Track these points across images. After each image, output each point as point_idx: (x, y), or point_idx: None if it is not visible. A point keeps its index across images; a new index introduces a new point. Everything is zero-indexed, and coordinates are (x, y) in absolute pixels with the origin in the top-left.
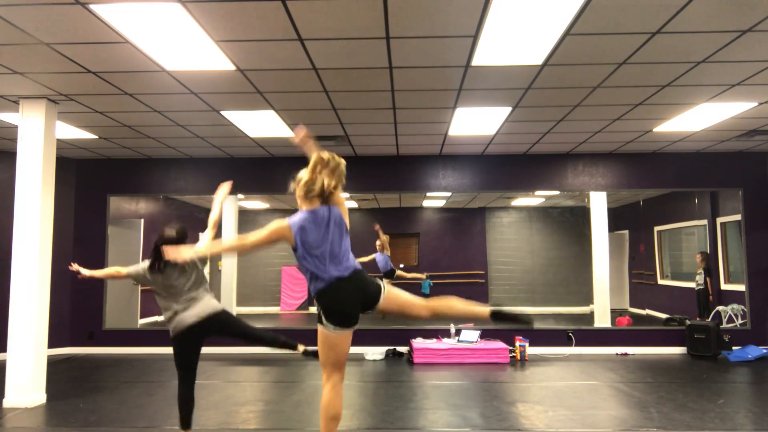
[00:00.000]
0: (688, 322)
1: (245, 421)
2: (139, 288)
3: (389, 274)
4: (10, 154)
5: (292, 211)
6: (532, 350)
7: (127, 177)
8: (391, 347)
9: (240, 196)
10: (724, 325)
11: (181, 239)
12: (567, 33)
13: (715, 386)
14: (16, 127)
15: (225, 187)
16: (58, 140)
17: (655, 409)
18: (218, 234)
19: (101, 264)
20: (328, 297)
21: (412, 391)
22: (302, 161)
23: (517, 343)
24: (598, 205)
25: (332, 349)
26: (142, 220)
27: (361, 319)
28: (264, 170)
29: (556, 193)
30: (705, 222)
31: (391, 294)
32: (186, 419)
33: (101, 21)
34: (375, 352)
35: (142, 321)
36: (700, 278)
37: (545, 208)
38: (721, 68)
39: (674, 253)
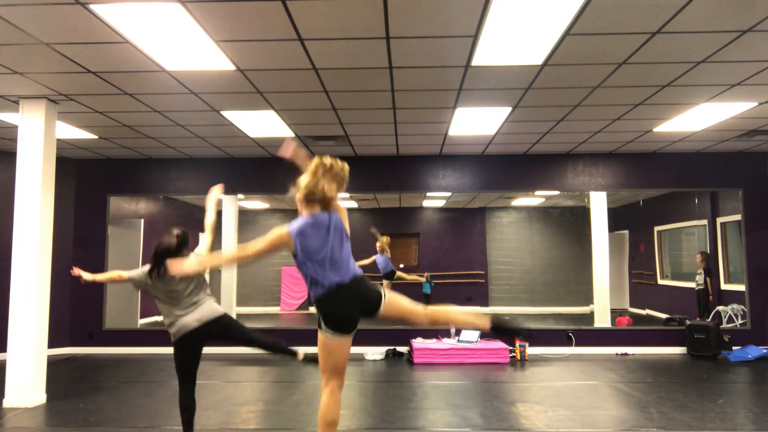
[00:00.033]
0: (688, 322)
1: (245, 421)
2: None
3: (389, 276)
4: (10, 154)
5: (292, 211)
6: (532, 350)
7: (127, 177)
8: (391, 347)
9: (240, 196)
10: (724, 325)
11: (181, 245)
12: (567, 33)
13: (715, 386)
14: (16, 127)
15: (216, 189)
16: (58, 140)
17: (655, 409)
18: (217, 235)
19: (101, 264)
20: (327, 303)
21: (412, 391)
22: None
23: (517, 343)
24: (598, 205)
25: (331, 354)
26: (142, 220)
27: (361, 319)
28: (264, 170)
29: (556, 193)
30: (705, 222)
31: (392, 301)
32: (188, 423)
33: (101, 21)
34: (375, 352)
35: (142, 321)
36: (700, 278)
37: (545, 208)
38: (721, 68)
39: (674, 253)
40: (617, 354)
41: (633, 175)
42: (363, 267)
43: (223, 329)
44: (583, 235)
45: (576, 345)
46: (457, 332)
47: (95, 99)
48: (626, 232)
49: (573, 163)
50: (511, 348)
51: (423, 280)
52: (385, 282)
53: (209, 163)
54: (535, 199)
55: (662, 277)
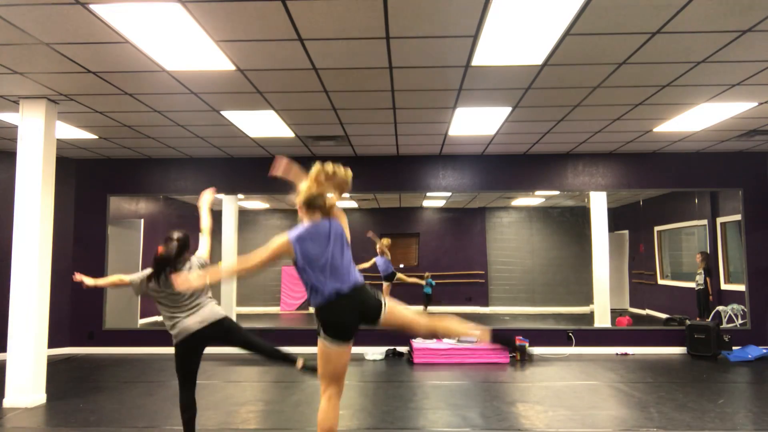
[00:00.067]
0: (688, 322)
1: (245, 421)
2: None
3: (389, 277)
4: (10, 154)
5: (292, 211)
6: (532, 350)
7: (127, 177)
8: (391, 347)
9: (240, 196)
10: (724, 325)
11: (182, 249)
12: (567, 33)
13: (715, 386)
14: (16, 127)
15: (208, 193)
16: (58, 140)
17: (655, 409)
18: (217, 235)
19: (101, 264)
20: (327, 311)
21: (412, 391)
22: (302, 161)
23: (517, 344)
24: (598, 205)
25: (330, 361)
26: (142, 220)
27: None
28: (264, 170)
29: (556, 193)
30: (705, 222)
31: (392, 311)
32: (189, 424)
33: (101, 21)
34: (375, 352)
35: (142, 321)
36: (700, 278)
37: (545, 208)
38: (721, 68)
39: (674, 253)
40: (617, 354)
41: (633, 175)
42: (364, 269)
43: (224, 332)
44: (583, 235)
45: (576, 345)
46: None
47: (95, 99)
48: (626, 232)
49: (573, 163)
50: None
51: (423, 282)
52: (384, 284)
53: (209, 163)
54: (535, 199)
55: (662, 277)
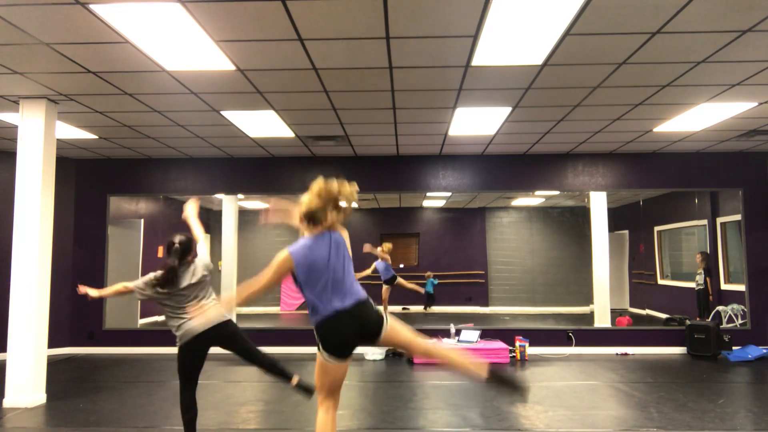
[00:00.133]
0: (688, 322)
1: (245, 421)
2: None
3: (390, 281)
4: (10, 154)
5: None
6: (532, 350)
7: (127, 177)
8: (391, 347)
9: (240, 196)
10: (724, 325)
11: (185, 252)
12: (567, 33)
13: (715, 386)
14: (16, 127)
15: (191, 204)
16: (58, 140)
17: (655, 409)
18: (217, 236)
19: (101, 264)
20: (326, 329)
21: (412, 391)
22: (302, 161)
23: (517, 343)
24: (598, 205)
25: (327, 374)
26: (142, 220)
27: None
28: (264, 170)
29: (556, 193)
30: (705, 222)
31: (393, 330)
32: (190, 425)
33: (101, 21)
34: (375, 352)
35: (142, 321)
36: (700, 278)
37: (545, 208)
38: (721, 68)
39: (674, 253)
40: (617, 354)
41: (633, 175)
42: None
43: (227, 335)
44: (583, 235)
45: (576, 345)
46: (457, 332)
47: (95, 99)
48: (626, 232)
49: (573, 163)
50: (511, 348)
51: (422, 291)
52: (384, 287)
53: (209, 163)
54: (535, 199)
55: (662, 277)
